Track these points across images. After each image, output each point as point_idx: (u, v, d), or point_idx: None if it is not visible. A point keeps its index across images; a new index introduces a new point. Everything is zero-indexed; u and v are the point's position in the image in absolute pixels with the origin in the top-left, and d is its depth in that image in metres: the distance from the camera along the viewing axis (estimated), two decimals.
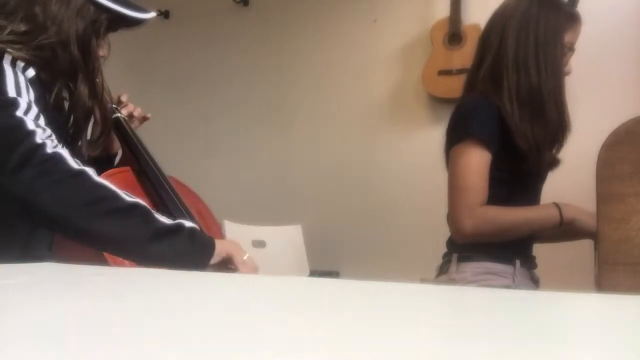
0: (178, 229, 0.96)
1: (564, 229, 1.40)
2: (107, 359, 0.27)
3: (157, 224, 0.94)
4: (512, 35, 1.37)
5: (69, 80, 1.08)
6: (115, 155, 1.33)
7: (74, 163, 0.92)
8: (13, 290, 0.51)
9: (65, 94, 1.09)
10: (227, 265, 1.01)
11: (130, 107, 1.36)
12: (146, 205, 0.95)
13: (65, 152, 0.92)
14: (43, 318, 0.37)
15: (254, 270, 1.04)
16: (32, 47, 1.01)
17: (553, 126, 1.37)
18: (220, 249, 1.00)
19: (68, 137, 1.11)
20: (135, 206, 0.93)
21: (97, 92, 1.11)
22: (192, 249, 0.97)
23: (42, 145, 0.90)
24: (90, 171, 0.93)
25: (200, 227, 1.05)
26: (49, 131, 0.95)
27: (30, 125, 0.92)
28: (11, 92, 0.95)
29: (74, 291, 0.54)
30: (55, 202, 0.88)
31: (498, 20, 1.42)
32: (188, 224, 0.98)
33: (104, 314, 0.40)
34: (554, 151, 1.42)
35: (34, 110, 0.96)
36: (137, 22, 1.15)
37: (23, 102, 0.95)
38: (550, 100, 1.36)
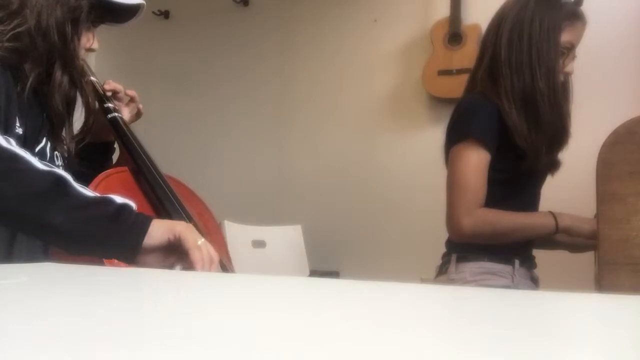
0: (102, 202, 0.82)
1: (573, 241, 1.41)
2: (107, 359, 0.27)
3: (73, 195, 0.81)
4: (506, 34, 1.36)
5: (47, 67, 1.06)
6: (113, 142, 1.32)
7: None
8: (13, 290, 0.51)
9: (45, 80, 1.06)
10: (177, 251, 0.86)
11: (117, 86, 1.33)
12: (65, 175, 0.83)
13: None
14: (43, 318, 0.37)
15: (209, 259, 0.86)
16: (8, 37, 0.99)
17: (550, 128, 1.36)
18: (164, 229, 0.84)
19: (49, 127, 1.09)
20: (47, 173, 0.82)
21: (76, 80, 1.09)
22: (115, 226, 0.82)
23: None
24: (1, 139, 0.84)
25: (196, 223, 1.01)
26: None
27: None
28: None
29: (74, 291, 0.54)
30: None
31: (496, 19, 1.41)
32: (121, 200, 0.84)
33: (104, 314, 0.40)
34: (553, 154, 1.41)
35: None
36: (120, 10, 1.12)
37: None
38: (544, 102, 1.34)
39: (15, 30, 1.00)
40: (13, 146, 0.84)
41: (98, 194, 0.85)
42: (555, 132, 1.37)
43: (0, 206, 0.81)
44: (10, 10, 1.01)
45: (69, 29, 1.05)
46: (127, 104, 1.35)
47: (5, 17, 1.01)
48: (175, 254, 0.86)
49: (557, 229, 1.34)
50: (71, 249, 0.87)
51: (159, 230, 0.84)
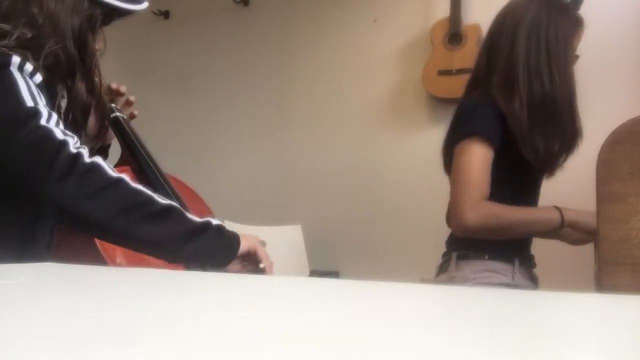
0: (207, 226, 1.00)
1: (574, 235, 1.41)
2: (107, 359, 0.27)
3: (189, 224, 0.98)
4: (523, 41, 1.35)
5: (67, 79, 1.07)
6: (109, 146, 1.33)
7: (111, 171, 0.94)
8: (13, 290, 0.51)
9: (63, 92, 1.08)
10: (248, 259, 1.07)
11: (122, 88, 1.34)
12: (178, 206, 0.99)
13: (101, 160, 0.95)
14: (43, 318, 0.37)
15: (271, 264, 1.12)
16: (40, 56, 1.00)
17: (566, 134, 1.36)
18: (245, 243, 1.05)
19: None
20: (170, 209, 0.97)
21: (94, 89, 1.10)
22: (220, 245, 1.01)
23: (79, 155, 0.92)
24: (127, 178, 0.95)
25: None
26: (75, 137, 0.95)
27: (59, 134, 0.93)
28: (28, 101, 0.94)
29: (74, 291, 0.54)
30: (98, 211, 0.91)
31: (508, 23, 1.39)
32: (215, 221, 1.02)
33: (104, 314, 0.40)
34: (566, 157, 1.41)
35: (54, 116, 0.96)
36: (128, 12, 1.14)
37: (44, 110, 0.94)
38: (564, 108, 1.35)
39: (49, 49, 1.01)
40: (132, 182, 0.96)
41: (200, 218, 1.00)
42: (569, 139, 1.38)
43: (140, 243, 0.97)
44: (39, 27, 1.01)
45: (90, 38, 1.07)
46: (122, 106, 1.35)
47: (37, 35, 1.01)
48: (245, 260, 1.07)
49: (563, 224, 1.34)
50: (177, 261, 1.02)
51: (242, 243, 1.05)
